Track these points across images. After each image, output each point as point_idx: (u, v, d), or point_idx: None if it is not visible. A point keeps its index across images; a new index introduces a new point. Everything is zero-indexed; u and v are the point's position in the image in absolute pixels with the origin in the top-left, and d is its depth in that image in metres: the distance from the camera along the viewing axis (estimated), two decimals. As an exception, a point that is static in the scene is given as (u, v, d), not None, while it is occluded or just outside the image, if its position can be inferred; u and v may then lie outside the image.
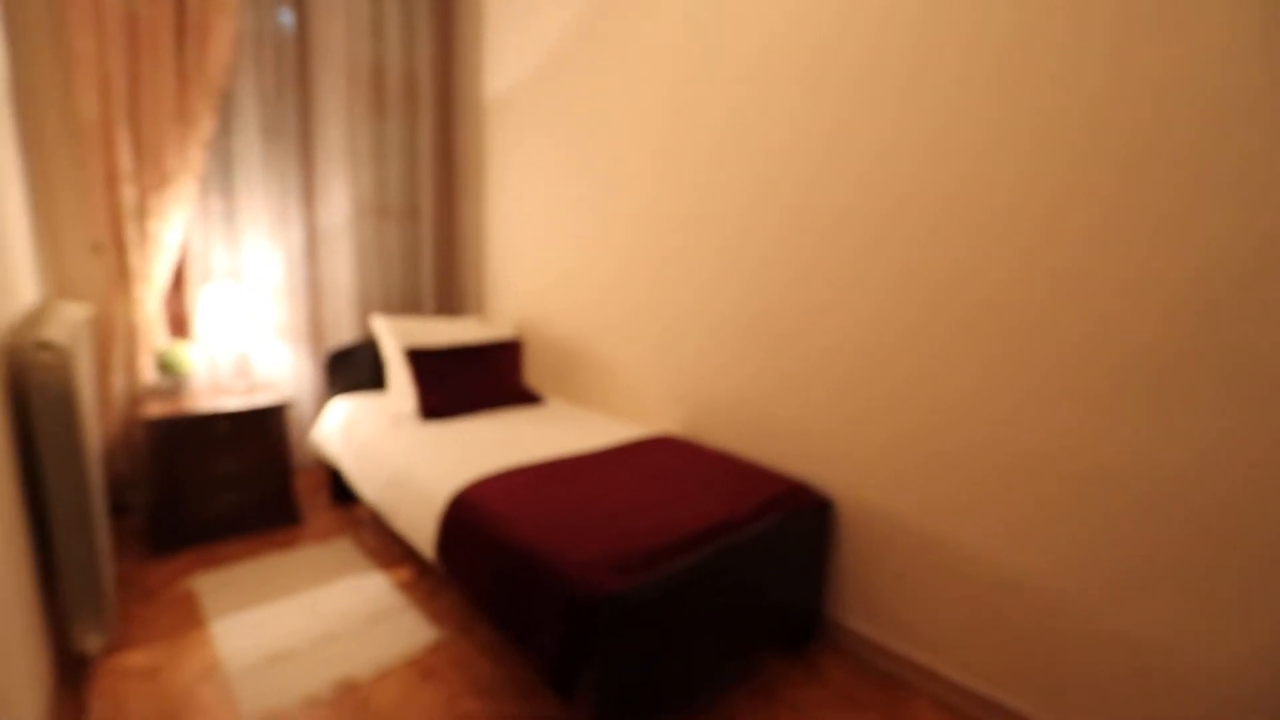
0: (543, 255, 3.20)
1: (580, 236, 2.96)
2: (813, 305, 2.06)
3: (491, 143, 3.44)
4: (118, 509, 2.70)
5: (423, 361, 2.68)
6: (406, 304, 3.55)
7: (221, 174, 2.89)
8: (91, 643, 1.68)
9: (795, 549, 1.91)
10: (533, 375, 3.34)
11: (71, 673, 1.73)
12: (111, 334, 2.58)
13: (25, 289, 2.14)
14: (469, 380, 2.76)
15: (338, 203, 3.18)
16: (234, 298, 2.76)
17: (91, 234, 2.53)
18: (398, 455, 2.26)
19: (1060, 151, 1.51)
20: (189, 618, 2.03)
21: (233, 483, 2.56)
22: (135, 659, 1.83)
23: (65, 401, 1.56)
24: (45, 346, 1.52)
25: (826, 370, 2.04)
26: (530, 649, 1.53)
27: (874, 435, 1.92)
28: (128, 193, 2.50)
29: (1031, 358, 1.60)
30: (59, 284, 2.54)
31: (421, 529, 1.97)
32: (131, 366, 2.64)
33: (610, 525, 1.66)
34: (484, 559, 1.70)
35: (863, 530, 1.98)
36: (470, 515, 1.80)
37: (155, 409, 2.43)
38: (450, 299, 3.69)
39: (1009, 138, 1.59)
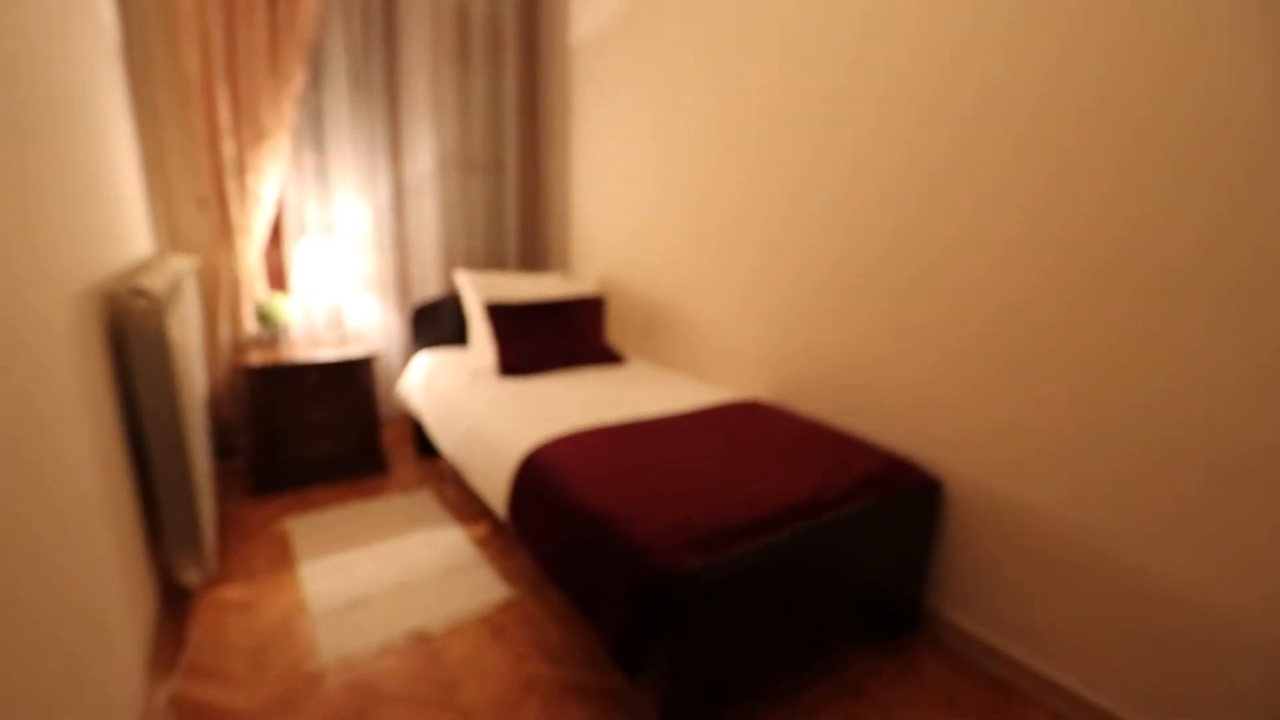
0: (629, 209, 3.05)
1: (667, 187, 2.78)
2: (929, 261, 1.79)
3: (577, 91, 3.29)
4: (226, 451, 2.88)
5: (503, 317, 2.63)
6: (490, 259, 3.53)
7: (313, 129, 2.93)
8: (191, 576, 1.77)
9: (896, 533, 1.71)
10: (615, 334, 3.24)
11: (174, 603, 1.83)
12: (217, 285, 2.71)
13: (139, 241, 2.25)
14: (549, 337, 2.69)
15: (423, 156, 3.17)
16: (326, 252, 2.82)
17: (197, 189, 2.64)
18: (474, 410, 2.23)
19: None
20: (282, 558, 2.12)
21: (325, 431, 2.65)
22: (232, 593, 1.93)
23: (159, 346, 1.60)
24: (140, 293, 1.56)
25: (943, 334, 1.78)
26: (596, 621, 1.44)
27: (998, 408, 1.66)
28: (227, 148, 2.58)
29: (1189, 313, 1.29)
30: (171, 237, 2.67)
31: (495, 486, 1.93)
32: (235, 317, 2.77)
33: (688, 495, 1.53)
34: (553, 522, 1.63)
35: (977, 516, 1.74)
36: (542, 475, 1.73)
37: (255, 358, 2.53)
38: (534, 255, 3.63)
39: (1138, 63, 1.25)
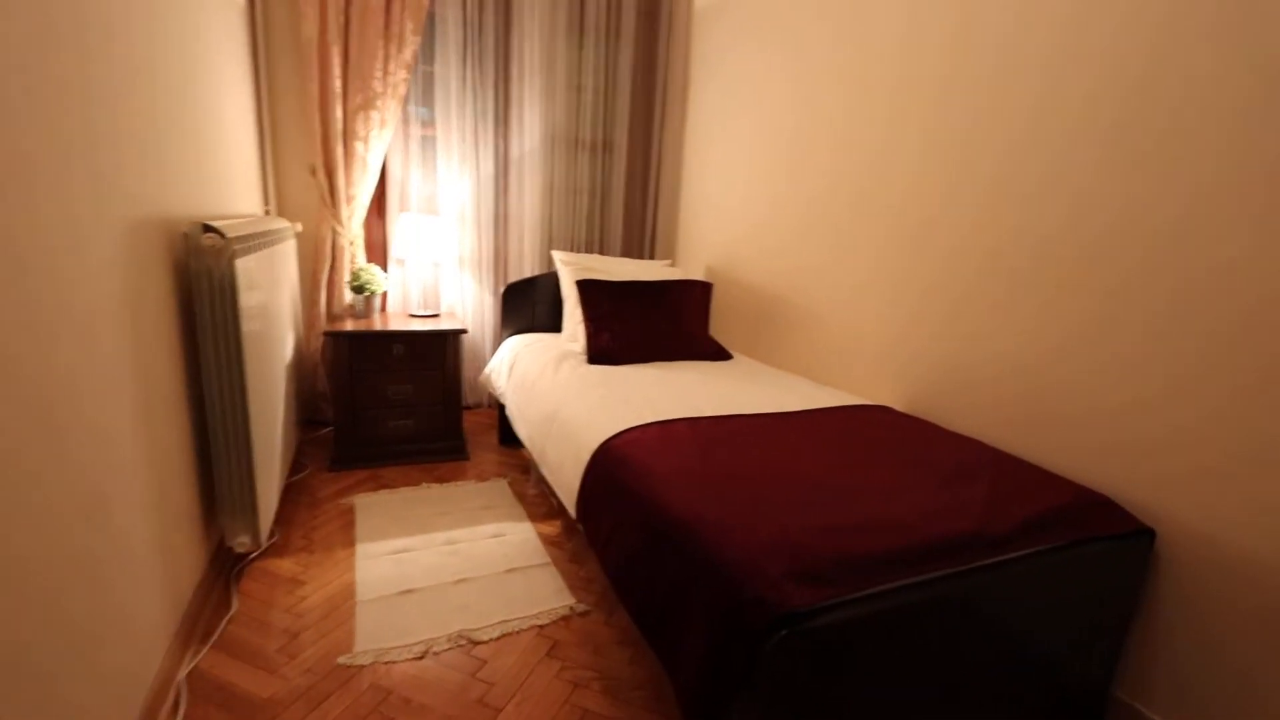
0: (745, 195, 2.73)
1: (790, 169, 2.43)
2: (1142, 246, 1.32)
3: (697, 67, 3.03)
4: (316, 421, 2.86)
5: (595, 294, 2.39)
6: (592, 244, 3.33)
7: (421, 99, 2.87)
8: (242, 542, 1.64)
9: (1082, 592, 1.24)
10: (723, 331, 2.91)
11: (226, 566, 1.72)
12: (319, 253, 2.69)
13: (244, 201, 2.23)
14: (648, 323, 2.41)
15: (531, 133, 3.03)
16: (427, 225, 2.73)
17: (308, 156, 2.63)
18: (555, 395, 1.99)
19: None
20: (343, 535, 1.98)
21: (408, 407, 2.53)
22: (285, 566, 1.80)
23: (225, 290, 1.49)
24: (211, 230, 1.46)
25: (1166, 336, 1.30)
26: (666, 659, 1.12)
27: (1243, 431, 1.16)
28: (337, 114, 2.55)
29: None
30: (280, 202, 2.69)
31: (567, 479, 1.67)
32: (334, 285, 2.74)
33: (801, 509, 1.17)
34: (626, 525, 1.32)
35: (1204, 580, 1.24)
36: (618, 468, 1.43)
37: (344, 326, 2.46)
38: (639, 241, 3.39)
39: None
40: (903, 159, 1.93)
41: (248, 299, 1.60)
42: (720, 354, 2.47)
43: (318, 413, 2.84)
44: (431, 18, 2.78)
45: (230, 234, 1.48)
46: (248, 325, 1.59)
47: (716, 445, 1.48)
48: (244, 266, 1.57)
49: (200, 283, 1.46)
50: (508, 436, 2.76)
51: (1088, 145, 1.42)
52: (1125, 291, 1.36)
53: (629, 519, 1.31)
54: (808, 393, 2.02)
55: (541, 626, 1.59)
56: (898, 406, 1.96)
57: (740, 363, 2.46)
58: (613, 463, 1.46)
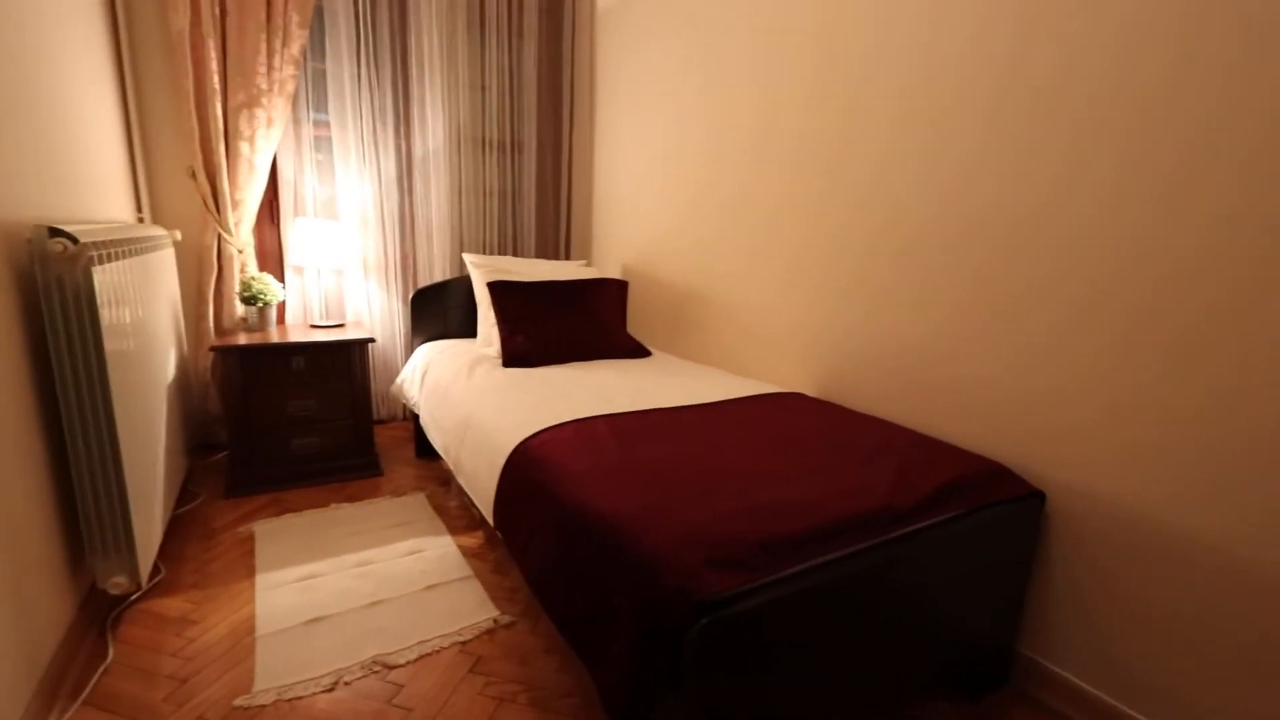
0: (660, 194, 2.74)
1: (705, 168, 2.45)
2: (1016, 221, 1.41)
3: (605, 66, 3.02)
4: (209, 446, 2.63)
5: (509, 296, 2.33)
6: (505, 246, 3.24)
7: (314, 99, 2.70)
8: (117, 584, 1.47)
9: (985, 556, 1.31)
10: (642, 329, 2.90)
11: (101, 611, 1.54)
12: (204, 263, 2.48)
13: (110, 207, 2.02)
14: (563, 324, 2.37)
15: (434, 133, 2.92)
16: (326, 231, 2.57)
17: (186, 157, 2.42)
18: (468, 399, 1.91)
19: None
20: (242, 566, 1.82)
21: (312, 425, 2.37)
22: (173, 605, 1.63)
23: (82, 302, 1.33)
24: (58, 234, 1.30)
25: (1042, 307, 1.39)
26: (590, 659, 1.09)
27: (1125, 400, 1.26)
28: (217, 112, 2.36)
29: None
30: (156, 208, 2.46)
31: (484, 486, 1.60)
32: (222, 298, 2.54)
33: (715, 498, 1.17)
34: (545, 528, 1.28)
35: (1097, 537, 1.33)
36: (535, 469, 1.39)
37: (238, 341, 2.27)
38: (553, 242, 3.34)
39: None
40: (818, 158, 1.99)
41: (113, 314, 1.44)
42: (639, 351, 2.47)
43: (211, 436, 2.62)
44: (320, 12, 2.63)
45: (85, 239, 1.32)
46: (114, 343, 1.43)
47: (634, 440, 1.47)
48: (106, 277, 1.42)
49: (50, 295, 1.30)
50: (425, 449, 2.64)
51: (1000, 144, 1.51)
52: (1007, 274, 1.45)
53: (547, 521, 1.27)
54: (725, 384, 2.04)
55: (464, 643, 1.52)
56: (812, 393, 2.01)
57: (659, 359, 2.46)
58: (529, 465, 1.41)
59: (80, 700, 1.29)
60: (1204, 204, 1.13)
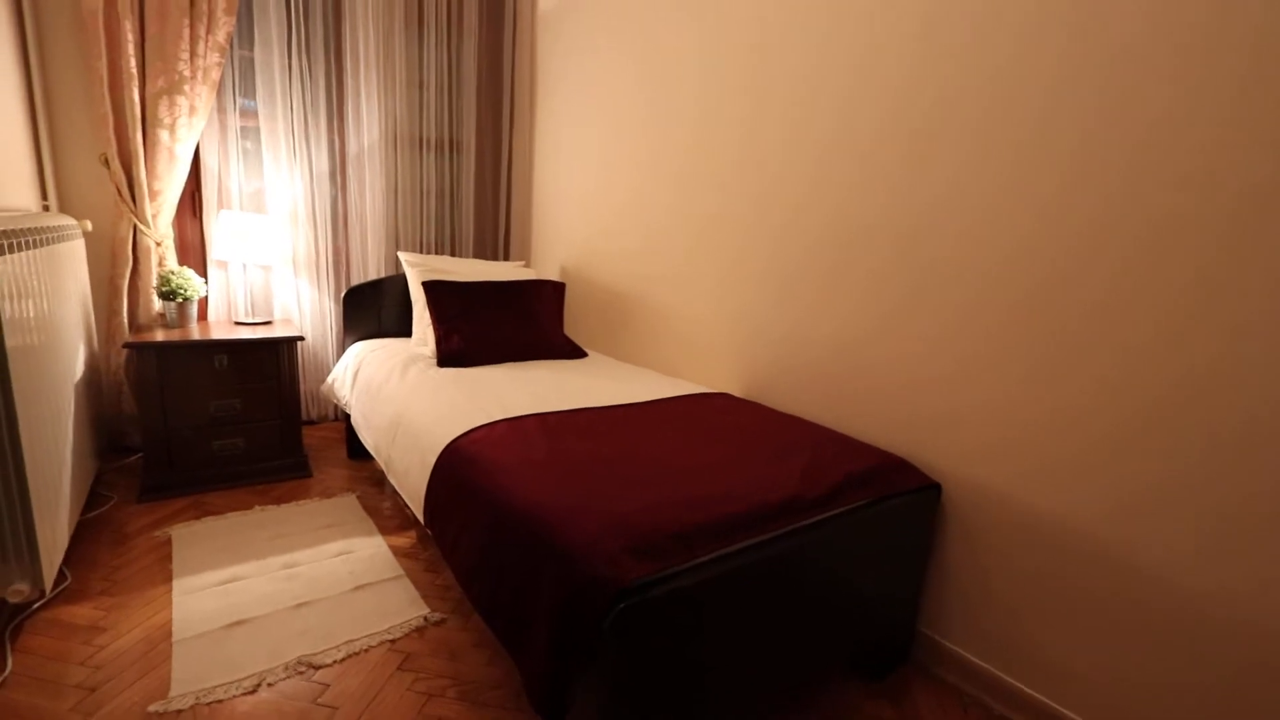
0: (598, 197, 2.78)
1: (642, 172, 2.51)
2: (909, 228, 1.54)
3: (545, 66, 3.04)
4: (123, 448, 2.51)
5: (445, 296, 2.32)
6: (443, 245, 3.22)
7: (241, 87, 2.62)
8: (17, 592, 1.40)
9: (888, 542, 1.42)
10: (578, 330, 2.94)
11: (0, 620, 1.47)
12: (119, 255, 2.36)
13: (11, 195, 1.91)
14: (499, 324, 2.38)
15: (369, 130, 2.87)
16: (253, 225, 2.49)
17: (99, 144, 2.30)
18: (400, 397, 1.91)
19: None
20: (158, 571, 1.76)
21: (236, 425, 2.30)
22: (81, 612, 1.56)
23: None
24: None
25: (930, 312, 1.52)
26: (514, 649, 1.13)
27: (1004, 397, 1.40)
28: (134, 97, 2.26)
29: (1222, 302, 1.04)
30: (61, 197, 2.33)
31: (414, 484, 1.61)
32: (138, 292, 2.42)
33: (640, 491, 1.23)
34: (473, 524, 1.31)
35: (981, 526, 1.47)
36: (464, 466, 1.41)
37: (155, 338, 2.18)
38: (491, 242, 3.34)
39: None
40: (720, 166, 2.08)
41: (14, 307, 1.38)
42: (575, 352, 2.51)
43: (124, 438, 2.50)
44: (248, -1, 2.55)
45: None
46: (16, 338, 1.37)
47: (565, 437, 1.51)
48: (6, 268, 1.35)
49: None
50: (357, 449, 2.60)
51: (896, 143, 1.63)
52: (901, 279, 1.58)
53: (475, 516, 1.30)
54: (656, 384, 2.11)
55: (393, 641, 1.52)
56: (737, 393, 2.11)
57: (594, 360, 2.51)
58: (459, 463, 1.44)
59: (-24, 713, 1.23)
60: (1079, 213, 1.27)
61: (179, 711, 1.27)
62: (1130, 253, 1.20)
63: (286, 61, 2.65)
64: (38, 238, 1.61)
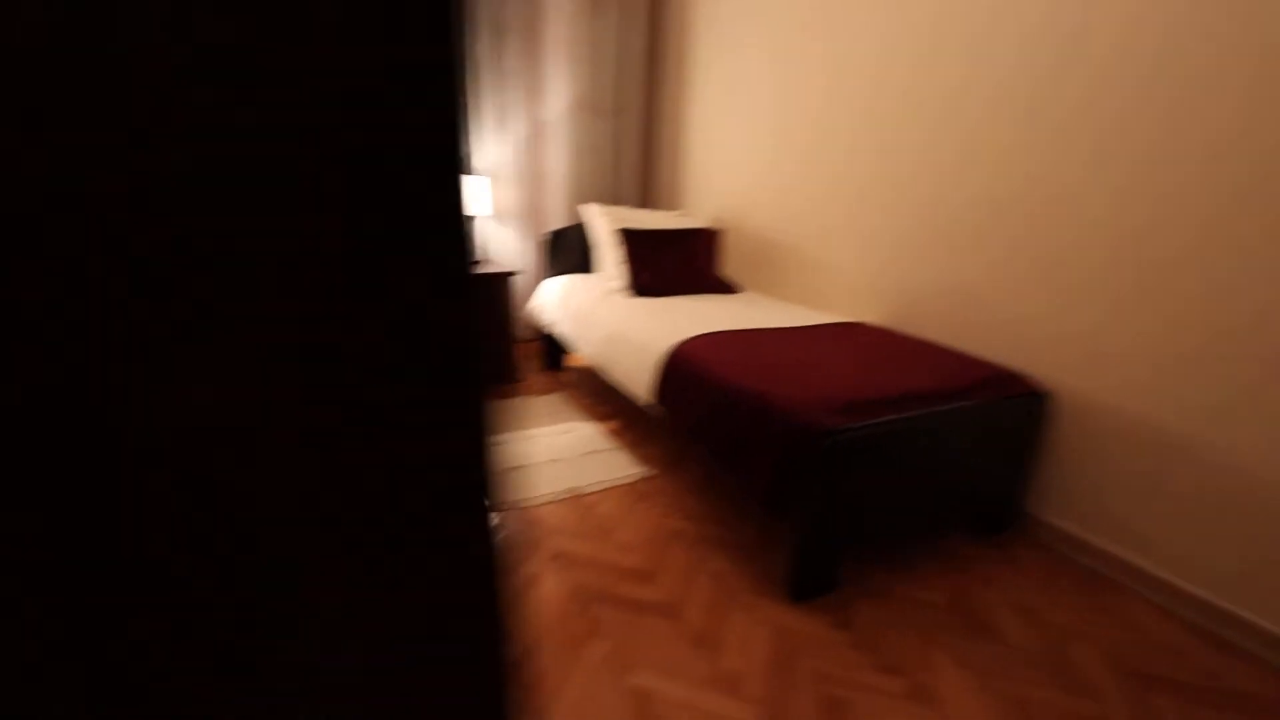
0: (742, 149, 3.24)
1: (781, 126, 2.95)
2: (1049, 193, 1.92)
3: (695, 36, 3.47)
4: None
5: (633, 241, 2.91)
6: (609, 197, 3.81)
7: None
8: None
9: (1003, 434, 1.89)
10: (728, 270, 3.46)
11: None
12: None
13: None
14: (671, 264, 2.95)
15: (557, 99, 3.45)
16: (473, 184, 3.15)
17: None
18: (612, 320, 2.52)
19: None
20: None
21: (471, 339, 3.01)
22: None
23: None
24: None
25: (1062, 263, 1.91)
26: (743, 473, 1.71)
27: (1115, 328, 1.80)
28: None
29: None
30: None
31: (639, 377, 2.22)
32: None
33: (820, 379, 1.76)
34: (703, 400, 1.89)
35: (1087, 427, 1.89)
36: (689, 364, 2.00)
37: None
38: (651, 193, 3.89)
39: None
40: (855, 121, 2.48)
41: None
42: (731, 288, 3.04)
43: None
44: (473, -5, 3.13)
45: None
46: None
47: (757, 347, 2.06)
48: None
49: None
50: (551, 361, 3.29)
51: (1002, 123, 2.00)
52: (1036, 236, 1.97)
53: (706, 394, 1.88)
54: (805, 314, 2.61)
55: (630, 484, 2.17)
56: (873, 322, 2.57)
57: (749, 295, 3.03)
58: (684, 360, 2.02)
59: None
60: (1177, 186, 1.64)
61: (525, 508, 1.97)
62: (1243, 179, 1.56)
63: (491, 45, 3.24)
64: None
